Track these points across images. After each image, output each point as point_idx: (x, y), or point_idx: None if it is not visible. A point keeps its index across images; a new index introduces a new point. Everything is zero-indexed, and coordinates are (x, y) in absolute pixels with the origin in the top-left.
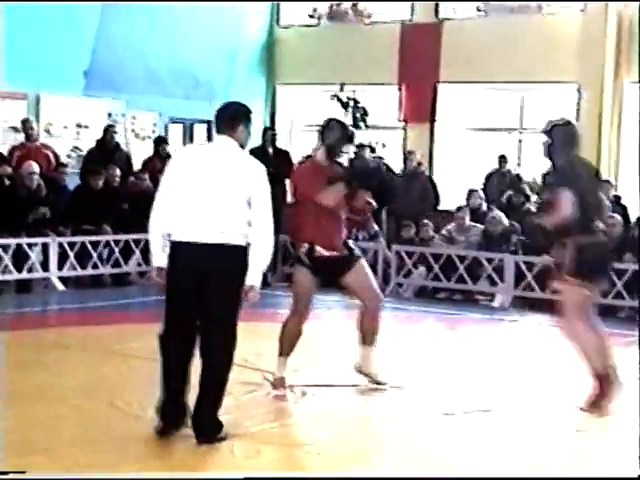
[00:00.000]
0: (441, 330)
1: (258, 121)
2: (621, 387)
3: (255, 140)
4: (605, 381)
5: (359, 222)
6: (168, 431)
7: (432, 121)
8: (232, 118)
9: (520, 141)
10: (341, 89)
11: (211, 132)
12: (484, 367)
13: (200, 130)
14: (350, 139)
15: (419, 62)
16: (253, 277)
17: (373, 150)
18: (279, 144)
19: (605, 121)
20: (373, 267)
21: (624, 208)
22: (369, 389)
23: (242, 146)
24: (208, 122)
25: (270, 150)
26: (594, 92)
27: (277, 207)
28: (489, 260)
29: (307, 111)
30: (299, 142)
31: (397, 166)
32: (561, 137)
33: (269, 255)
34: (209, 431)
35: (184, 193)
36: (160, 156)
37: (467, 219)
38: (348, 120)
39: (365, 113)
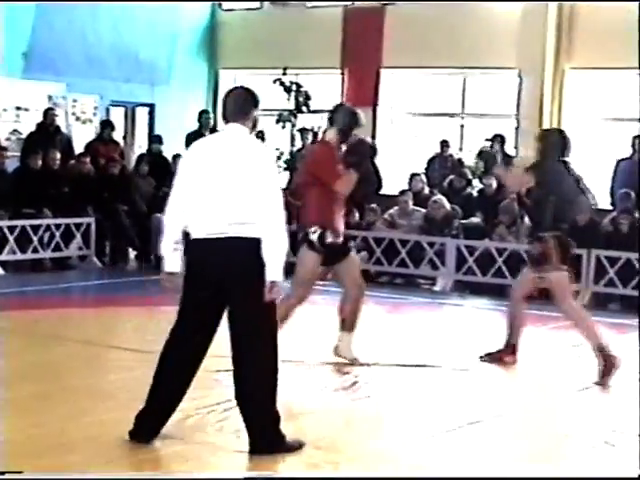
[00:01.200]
0: (382, 314)
1: (200, 105)
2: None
3: (196, 123)
4: (608, 355)
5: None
6: (140, 439)
7: (374, 105)
8: (242, 105)
9: (462, 126)
10: (284, 73)
11: (153, 115)
12: (427, 350)
13: (142, 113)
14: (359, 122)
15: (362, 46)
16: (273, 272)
17: (316, 135)
18: (219, 127)
19: (546, 107)
20: None
21: None
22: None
23: (261, 136)
24: (150, 105)
25: (206, 134)
26: (535, 78)
27: None
28: (431, 244)
29: None
30: None
31: None
32: (550, 143)
33: (285, 246)
34: (271, 447)
35: (198, 188)
36: (103, 139)
37: (410, 203)
38: (290, 105)
39: (308, 97)
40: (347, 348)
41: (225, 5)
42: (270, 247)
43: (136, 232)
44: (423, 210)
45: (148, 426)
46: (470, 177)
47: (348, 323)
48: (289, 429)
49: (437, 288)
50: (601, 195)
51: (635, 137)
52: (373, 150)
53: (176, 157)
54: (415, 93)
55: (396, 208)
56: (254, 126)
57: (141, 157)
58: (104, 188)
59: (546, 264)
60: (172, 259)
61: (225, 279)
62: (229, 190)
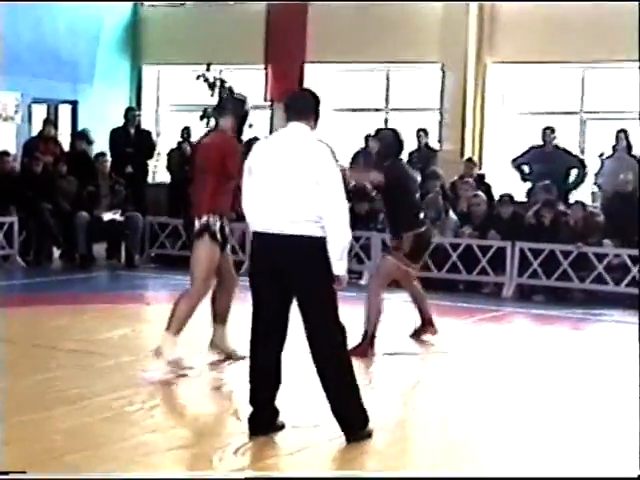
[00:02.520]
0: None
1: (123, 102)
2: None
3: (119, 120)
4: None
5: None
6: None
7: None
8: (306, 105)
9: (386, 120)
10: (207, 69)
11: (76, 113)
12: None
13: (65, 111)
14: (249, 112)
15: (285, 42)
16: (335, 266)
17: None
18: (145, 124)
19: (469, 101)
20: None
21: (488, 186)
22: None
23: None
24: (73, 102)
25: (132, 130)
26: (457, 72)
27: (141, 188)
28: (356, 238)
29: (173, 91)
30: (166, 122)
31: None
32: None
33: (348, 239)
34: (355, 428)
35: (258, 183)
36: (44, 137)
37: None
38: (214, 100)
39: (232, 93)
40: (223, 340)
41: (147, 1)
42: (332, 241)
43: (60, 231)
44: (348, 204)
45: (263, 424)
46: None
47: (221, 315)
48: None
49: (363, 282)
50: (519, 187)
51: (545, 128)
52: None
53: (99, 155)
54: (339, 88)
55: None
56: (315, 124)
57: (60, 156)
58: (27, 187)
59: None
60: None
61: (287, 275)
62: (291, 188)
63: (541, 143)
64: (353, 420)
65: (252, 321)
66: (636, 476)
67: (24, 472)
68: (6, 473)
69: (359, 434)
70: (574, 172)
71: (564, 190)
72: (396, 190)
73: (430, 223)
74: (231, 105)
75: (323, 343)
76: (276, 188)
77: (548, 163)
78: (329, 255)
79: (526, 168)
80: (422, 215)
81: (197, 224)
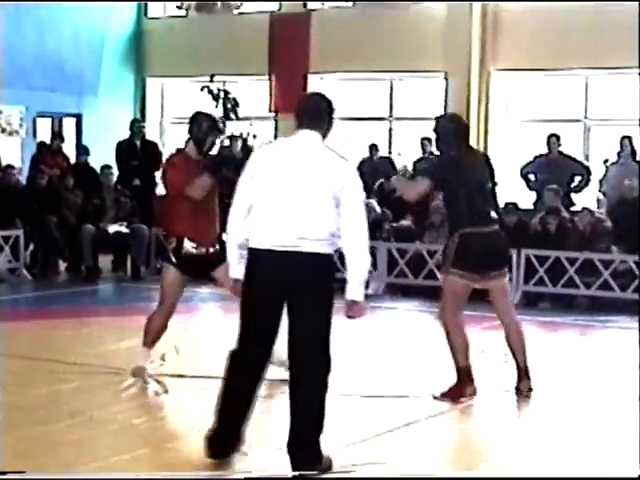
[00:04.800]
0: None
1: (128, 114)
2: (475, 390)
3: (124, 133)
4: (464, 374)
5: None
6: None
7: None
8: (318, 111)
9: (390, 129)
10: (211, 80)
11: (80, 126)
12: (367, 353)
13: (69, 124)
14: (218, 130)
15: (288, 52)
16: (353, 291)
17: (245, 141)
18: (149, 137)
19: (472, 109)
20: None
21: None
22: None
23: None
24: (77, 115)
25: (138, 143)
26: (461, 80)
27: (148, 199)
28: None
29: (177, 103)
30: (170, 134)
31: None
32: (448, 130)
33: (367, 264)
34: (310, 464)
35: (263, 196)
36: (52, 150)
37: None
38: (219, 112)
39: (236, 104)
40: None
41: (151, 13)
42: (352, 265)
43: (66, 244)
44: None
45: (224, 444)
46: None
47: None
48: None
49: (369, 291)
50: (524, 194)
51: (550, 135)
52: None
53: (104, 168)
54: (343, 98)
55: None
56: (326, 134)
57: (67, 169)
58: (33, 200)
59: (443, 264)
60: (237, 266)
61: (286, 285)
62: (302, 203)
63: (546, 151)
64: (309, 454)
65: (239, 342)
66: (636, 476)
67: (23, 472)
68: (4, 473)
69: (313, 468)
70: (578, 179)
71: (567, 193)
72: (446, 185)
73: (498, 225)
74: (192, 125)
75: (305, 371)
76: (285, 201)
77: (553, 170)
78: (333, 274)
79: (532, 177)
80: (487, 213)
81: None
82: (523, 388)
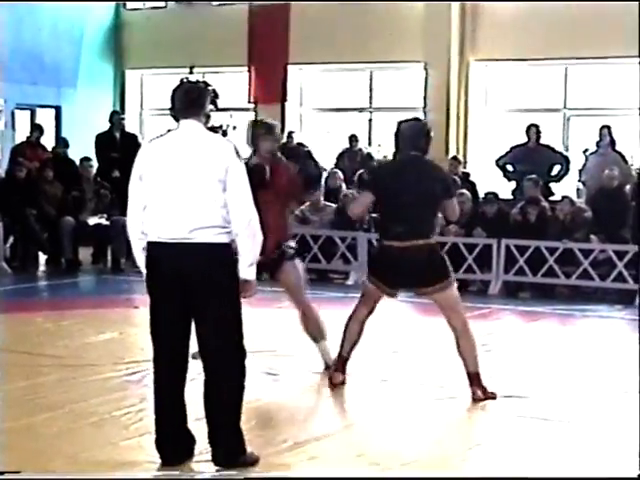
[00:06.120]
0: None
1: (107, 106)
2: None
3: (103, 125)
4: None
5: None
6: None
7: (283, 102)
8: (195, 99)
9: (370, 120)
10: (190, 72)
11: (60, 118)
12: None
13: (49, 116)
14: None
15: (268, 43)
16: (244, 270)
17: (225, 133)
18: (128, 128)
19: (452, 99)
20: None
21: (473, 184)
22: None
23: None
24: (56, 107)
25: (117, 135)
26: (441, 71)
27: (126, 191)
28: (342, 239)
29: (157, 95)
30: (149, 126)
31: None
32: (399, 136)
33: (258, 244)
34: (234, 458)
35: (154, 189)
36: (31, 143)
37: (321, 199)
38: None
39: (215, 96)
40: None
41: (129, 4)
42: (241, 245)
43: (46, 236)
44: (334, 205)
45: (175, 448)
46: None
47: (318, 335)
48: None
49: (350, 282)
50: (504, 185)
51: (530, 125)
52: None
53: (84, 160)
54: (323, 89)
55: (307, 204)
56: (207, 121)
57: (46, 161)
58: (12, 193)
59: None
60: (143, 262)
61: (188, 284)
62: (190, 192)
63: (524, 141)
64: (232, 447)
65: (153, 345)
66: (636, 476)
67: (18, 472)
68: (1, 473)
69: (240, 460)
70: (557, 168)
71: (546, 183)
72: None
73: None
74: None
75: (219, 369)
76: (173, 193)
77: (532, 160)
78: (238, 265)
79: (510, 167)
80: (395, 227)
81: None
82: (476, 396)
